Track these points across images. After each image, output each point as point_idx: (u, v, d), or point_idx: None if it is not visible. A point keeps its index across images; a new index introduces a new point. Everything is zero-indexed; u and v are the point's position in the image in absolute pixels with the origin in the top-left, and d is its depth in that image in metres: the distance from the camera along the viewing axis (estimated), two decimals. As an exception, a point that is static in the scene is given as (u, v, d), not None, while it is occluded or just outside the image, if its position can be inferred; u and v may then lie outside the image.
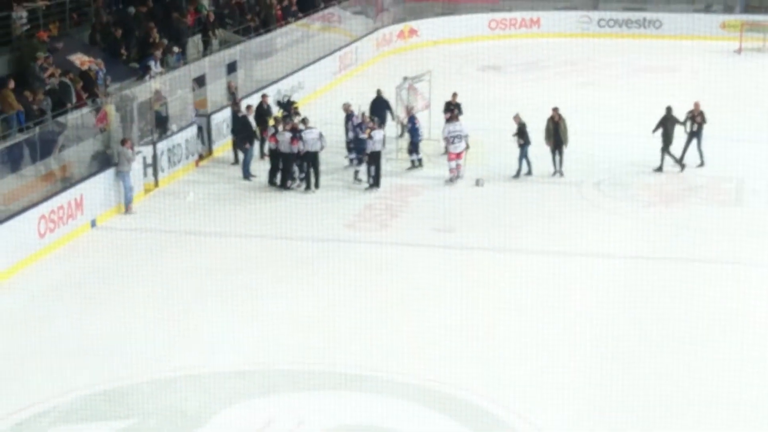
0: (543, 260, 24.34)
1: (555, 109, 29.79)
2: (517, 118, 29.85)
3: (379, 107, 32.43)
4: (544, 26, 52.05)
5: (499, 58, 46.50)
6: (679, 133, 30.12)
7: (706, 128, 30.35)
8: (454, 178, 29.80)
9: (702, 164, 30.58)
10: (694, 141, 30.40)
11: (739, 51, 48.44)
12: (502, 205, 27.74)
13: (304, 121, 29.56)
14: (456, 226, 26.42)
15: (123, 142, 27.22)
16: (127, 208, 27.41)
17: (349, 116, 30.95)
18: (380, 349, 19.98)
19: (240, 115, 31.17)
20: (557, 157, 29.84)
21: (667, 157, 30.13)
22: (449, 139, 29.70)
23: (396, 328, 20.82)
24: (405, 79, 32.66)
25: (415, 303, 22.08)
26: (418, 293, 22.58)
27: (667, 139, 30.04)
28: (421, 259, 24.50)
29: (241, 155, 30.81)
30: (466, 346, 20.04)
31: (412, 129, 30.83)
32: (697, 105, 30.68)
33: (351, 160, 30.75)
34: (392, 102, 32.49)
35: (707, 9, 52.88)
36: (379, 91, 33.21)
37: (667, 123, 30.01)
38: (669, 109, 30.22)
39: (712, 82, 40.04)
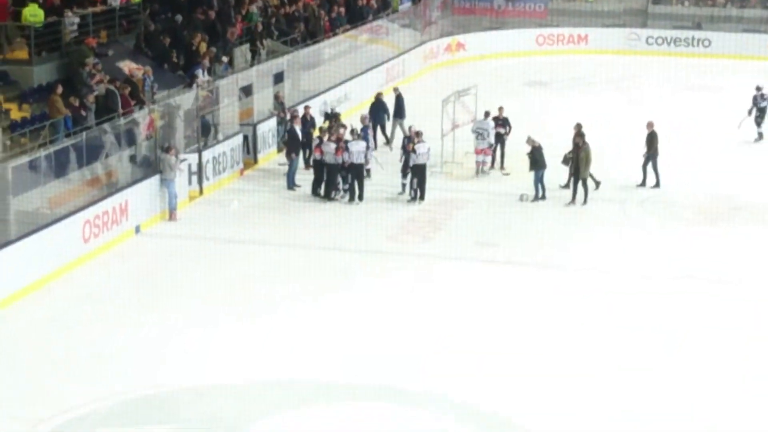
0: (585, 277, 24.22)
1: (581, 135, 28.81)
2: (530, 140, 29.34)
3: (378, 111, 32.50)
4: (591, 43, 51.85)
5: (545, 73, 46.36)
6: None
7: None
8: (478, 171, 31.11)
9: (643, 184, 30.33)
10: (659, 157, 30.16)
11: (788, 71, 48.03)
12: (546, 221, 27.67)
13: (352, 132, 29.58)
14: (499, 241, 26.36)
15: (167, 149, 27.34)
16: (171, 215, 27.52)
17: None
18: (418, 362, 19.91)
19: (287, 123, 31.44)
20: (574, 185, 28.79)
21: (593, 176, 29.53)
22: (475, 134, 31.06)
23: (435, 342, 20.75)
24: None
25: (456, 316, 22.02)
26: (459, 307, 22.52)
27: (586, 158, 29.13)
28: (463, 273, 24.42)
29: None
30: (504, 361, 19.94)
31: (364, 138, 30.01)
32: (650, 124, 30.42)
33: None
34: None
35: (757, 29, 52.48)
36: (378, 95, 33.51)
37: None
38: (579, 126, 29.43)
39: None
